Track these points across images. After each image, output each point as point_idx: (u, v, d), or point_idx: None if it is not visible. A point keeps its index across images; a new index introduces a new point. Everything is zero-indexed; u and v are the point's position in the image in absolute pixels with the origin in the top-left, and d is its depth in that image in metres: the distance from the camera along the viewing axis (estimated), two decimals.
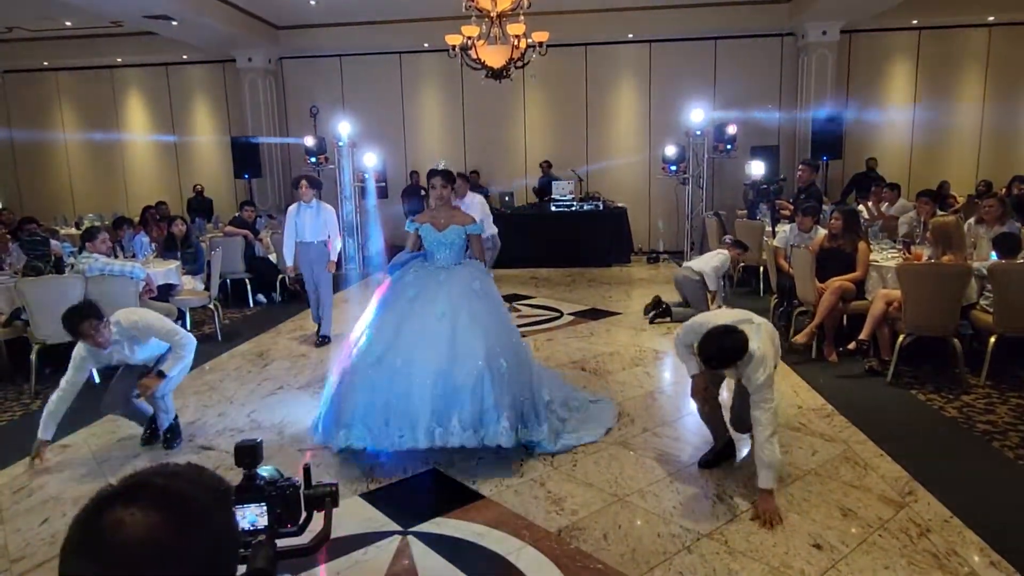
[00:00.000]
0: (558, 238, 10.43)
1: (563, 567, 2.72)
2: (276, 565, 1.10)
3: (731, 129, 10.73)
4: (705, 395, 3.50)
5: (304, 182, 6.14)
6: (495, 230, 6.88)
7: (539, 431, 3.66)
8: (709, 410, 3.56)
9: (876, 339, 5.09)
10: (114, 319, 3.67)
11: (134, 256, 7.01)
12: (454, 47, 6.96)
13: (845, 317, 5.62)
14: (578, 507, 3.17)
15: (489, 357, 3.57)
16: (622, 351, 5.83)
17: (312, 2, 10.05)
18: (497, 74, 7.05)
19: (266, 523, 1.14)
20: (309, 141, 11.07)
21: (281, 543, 1.15)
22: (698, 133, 10.87)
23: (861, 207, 7.94)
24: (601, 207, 10.57)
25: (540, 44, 7.01)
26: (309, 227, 6.13)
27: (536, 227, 10.43)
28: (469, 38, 6.90)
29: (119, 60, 12.51)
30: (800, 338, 5.38)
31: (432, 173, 4.10)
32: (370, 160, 10.67)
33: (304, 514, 1.20)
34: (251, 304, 8.22)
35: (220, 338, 6.60)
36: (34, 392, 5.05)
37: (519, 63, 7.12)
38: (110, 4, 8.82)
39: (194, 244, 7.43)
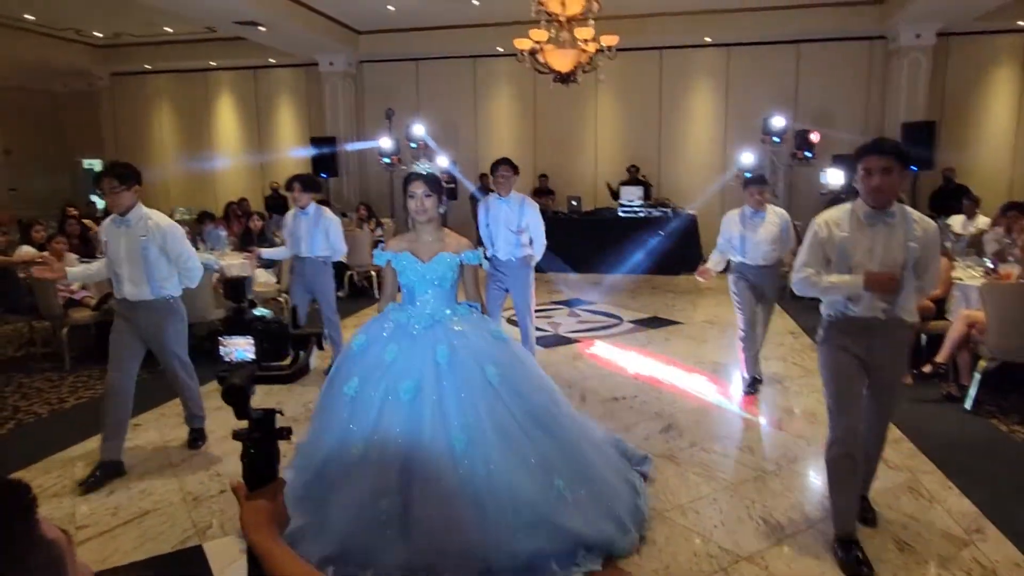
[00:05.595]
0: (624, 244, 10.27)
1: None
2: (251, 384, 1.20)
3: (814, 136, 10.29)
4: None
5: (297, 185, 5.13)
6: (543, 244, 4.99)
7: (628, 536, 2.84)
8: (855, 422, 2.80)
9: (956, 363, 4.76)
10: (149, 212, 3.69)
11: (212, 248, 7.39)
12: (522, 51, 6.99)
13: (923, 338, 5.28)
14: None
15: (544, 489, 2.66)
16: (678, 361, 5.68)
17: (391, 7, 10.31)
18: (564, 78, 7.04)
19: (253, 356, 1.22)
20: (386, 143, 11.35)
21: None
22: (776, 140, 10.49)
23: (948, 221, 7.43)
24: (671, 214, 10.34)
25: (609, 48, 6.95)
26: (305, 239, 5.13)
27: (602, 232, 10.33)
28: (538, 42, 6.91)
29: (212, 63, 13.26)
30: None
31: (412, 177, 2.91)
32: (442, 163, 10.84)
33: (291, 353, 1.27)
34: None
35: None
36: None
37: (587, 67, 7.08)
38: (204, 11, 9.35)
39: (269, 239, 7.77)
